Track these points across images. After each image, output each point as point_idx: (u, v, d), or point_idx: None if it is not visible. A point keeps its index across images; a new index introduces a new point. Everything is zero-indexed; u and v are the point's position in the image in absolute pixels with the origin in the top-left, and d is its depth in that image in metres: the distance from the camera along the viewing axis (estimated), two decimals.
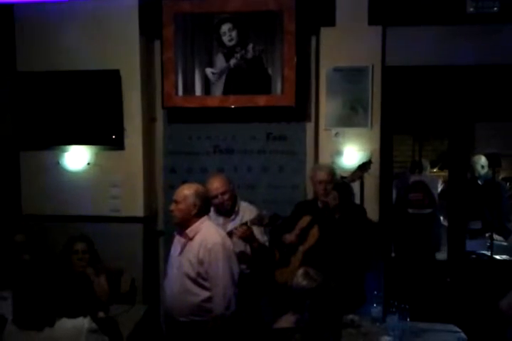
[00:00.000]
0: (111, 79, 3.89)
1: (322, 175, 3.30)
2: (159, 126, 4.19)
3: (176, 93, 3.93)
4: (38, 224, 3.95)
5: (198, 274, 2.69)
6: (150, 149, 4.13)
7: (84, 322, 2.01)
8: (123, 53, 3.89)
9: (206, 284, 2.70)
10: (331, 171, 3.36)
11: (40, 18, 3.93)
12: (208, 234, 2.76)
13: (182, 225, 2.79)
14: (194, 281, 2.70)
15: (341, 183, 3.43)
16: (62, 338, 1.98)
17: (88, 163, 3.98)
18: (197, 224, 2.77)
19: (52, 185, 3.99)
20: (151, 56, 4.10)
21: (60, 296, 2.09)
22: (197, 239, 2.74)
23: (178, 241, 2.86)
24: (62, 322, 2.01)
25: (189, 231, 2.76)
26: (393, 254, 4.07)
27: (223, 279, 2.68)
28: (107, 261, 3.56)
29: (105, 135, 3.95)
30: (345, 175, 3.53)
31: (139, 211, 3.97)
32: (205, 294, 2.70)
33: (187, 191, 2.79)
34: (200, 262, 2.69)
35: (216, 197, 3.23)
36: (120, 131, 3.93)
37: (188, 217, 2.77)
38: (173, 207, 2.79)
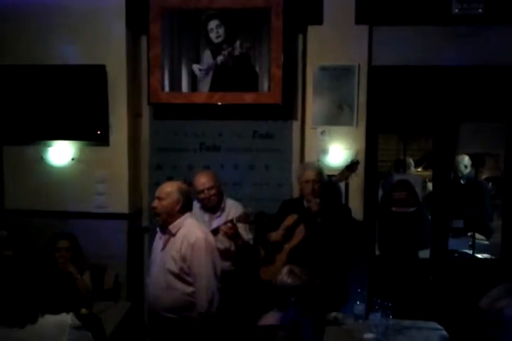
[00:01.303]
0: (97, 75, 3.85)
1: (310, 175, 3.31)
2: (145, 122, 4.17)
3: (162, 89, 3.91)
4: (20, 219, 3.91)
5: (181, 269, 2.69)
6: (135, 145, 4.11)
7: (67, 319, 1.99)
8: (109, 48, 3.86)
9: (189, 279, 2.70)
10: (319, 170, 3.37)
11: (24, 11, 3.87)
12: (190, 229, 2.77)
13: (165, 222, 2.79)
14: (177, 277, 2.70)
15: (328, 183, 3.45)
16: (45, 335, 1.96)
17: (72, 159, 3.94)
18: (180, 220, 2.78)
19: (35, 181, 3.95)
20: (138, 52, 4.08)
21: (42, 293, 2.07)
22: (179, 235, 2.75)
23: (160, 237, 2.86)
24: (45, 319, 2.00)
25: (172, 227, 2.76)
26: (378, 252, 4.10)
27: (206, 274, 2.68)
28: (90, 257, 3.55)
29: (90, 130, 3.91)
30: (330, 173, 3.55)
31: (123, 207, 3.95)
32: (189, 289, 2.70)
33: (170, 188, 2.79)
34: (183, 258, 2.69)
35: (202, 191, 3.24)
36: (105, 127, 3.89)
37: (172, 213, 2.76)
38: (156, 203, 2.77)
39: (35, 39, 3.88)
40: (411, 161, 4.85)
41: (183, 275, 2.70)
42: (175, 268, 2.69)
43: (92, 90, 3.87)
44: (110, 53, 3.86)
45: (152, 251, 2.94)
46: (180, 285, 2.70)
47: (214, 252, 2.78)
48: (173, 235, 2.75)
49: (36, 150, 3.96)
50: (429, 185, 4.45)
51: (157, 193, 2.80)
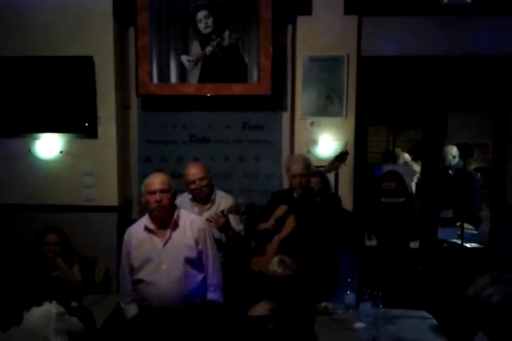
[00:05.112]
0: (84, 66, 3.82)
1: (297, 169, 3.28)
2: (133, 114, 4.14)
3: (151, 80, 3.88)
4: (8, 213, 3.88)
5: (198, 254, 2.79)
6: (124, 137, 4.08)
7: (51, 308, 1.98)
8: (96, 40, 3.83)
9: (200, 265, 2.81)
10: (306, 164, 3.33)
11: (11, 2, 3.81)
12: (191, 216, 2.90)
13: (167, 214, 2.77)
14: (194, 264, 2.77)
15: (317, 174, 3.45)
16: (32, 328, 1.95)
17: (61, 151, 3.91)
18: (177, 210, 2.83)
19: (23, 174, 3.92)
20: (125, 43, 4.04)
21: (31, 287, 2.06)
22: (183, 223, 2.80)
23: (150, 233, 2.79)
24: (31, 312, 1.98)
25: (176, 218, 2.80)
26: (372, 243, 4.14)
27: (216, 254, 2.88)
28: (80, 250, 3.52)
29: (78, 123, 3.88)
30: (320, 164, 3.55)
31: (113, 200, 3.93)
32: (200, 276, 2.81)
33: (168, 179, 2.81)
34: (197, 242, 2.79)
35: (194, 182, 3.23)
36: (93, 119, 3.86)
37: (172, 205, 2.81)
38: (160, 197, 2.71)
39: (21, 31, 3.82)
40: (400, 152, 4.86)
41: (198, 261, 2.79)
42: (193, 255, 2.77)
43: (79, 82, 3.84)
44: (97, 45, 3.83)
45: (139, 250, 2.79)
46: (195, 272, 2.78)
47: None
48: (177, 226, 2.79)
49: (24, 143, 3.92)
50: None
51: (158, 186, 2.73)
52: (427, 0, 3.72)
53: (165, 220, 2.79)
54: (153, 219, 2.81)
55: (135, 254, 2.80)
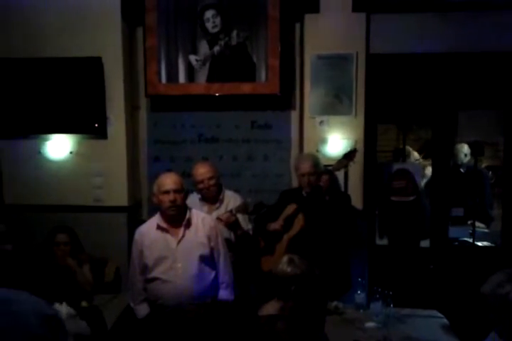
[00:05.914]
0: (93, 67, 3.83)
1: (305, 168, 3.27)
2: (143, 114, 4.15)
3: (159, 80, 3.89)
4: (20, 214, 3.91)
5: (211, 252, 2.83)
6: (133, 138, 4.09)
7: (61, 309, 1.99)
8: (105, 40, 3.84)
9: (212, 263, 2.85)
10: (315, 162, 3.32)
11: (19, 3, 3.84)
12: (201, 214, 2.95)
13: (180, 214, 2.81)
14: (207, 261, 2.81)
15: (326, 172, 3.44)
16: None
17: (70, 152, 3.93)
18: (188, 209, 2.88)
19: (33, 175, 3.94)
20: (134, 43, 4.04)
21: (41, 286, 2.07)
22: (195, 222, 2.84)
23: (162, 232, 2.81)
24: None
25: (189, 217, 2.83)
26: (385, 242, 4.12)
27: (227, 252, 2.93)
28: (91, 250, 3.54)
29: (88, 123, 3.89)
30: (329, 163, 3.54)
31: (123, 200, 3.94)
32: (213, 274, 2.84)
33: (180, 179, 2.85)
34: (209, 239, 2.83)
35: (202, 182, 3.24)
36: (103, 120, 3.88)
37: (184, 204, 2.86)
38: (175, 197, 2.75)
39: (31, 32, 3.85)
40: (411, 150, 4.82)
41: (210, 258, 2.83)
42: (206, 253, 2.81)
43: (88, 83, 3.85)
44: (106, 45, 3.84)
45: (152, 249, 2.79)
46: (208, 270, 2.81)
47: None
48: (191, 224, 2.82)
49: (34, 144, 3.94)
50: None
51: (172, 186, 2.76)
52: None
53: (178, 219, 2.81)
54: (165, 218, 2.83)
55: (148, 253, 2.82)
